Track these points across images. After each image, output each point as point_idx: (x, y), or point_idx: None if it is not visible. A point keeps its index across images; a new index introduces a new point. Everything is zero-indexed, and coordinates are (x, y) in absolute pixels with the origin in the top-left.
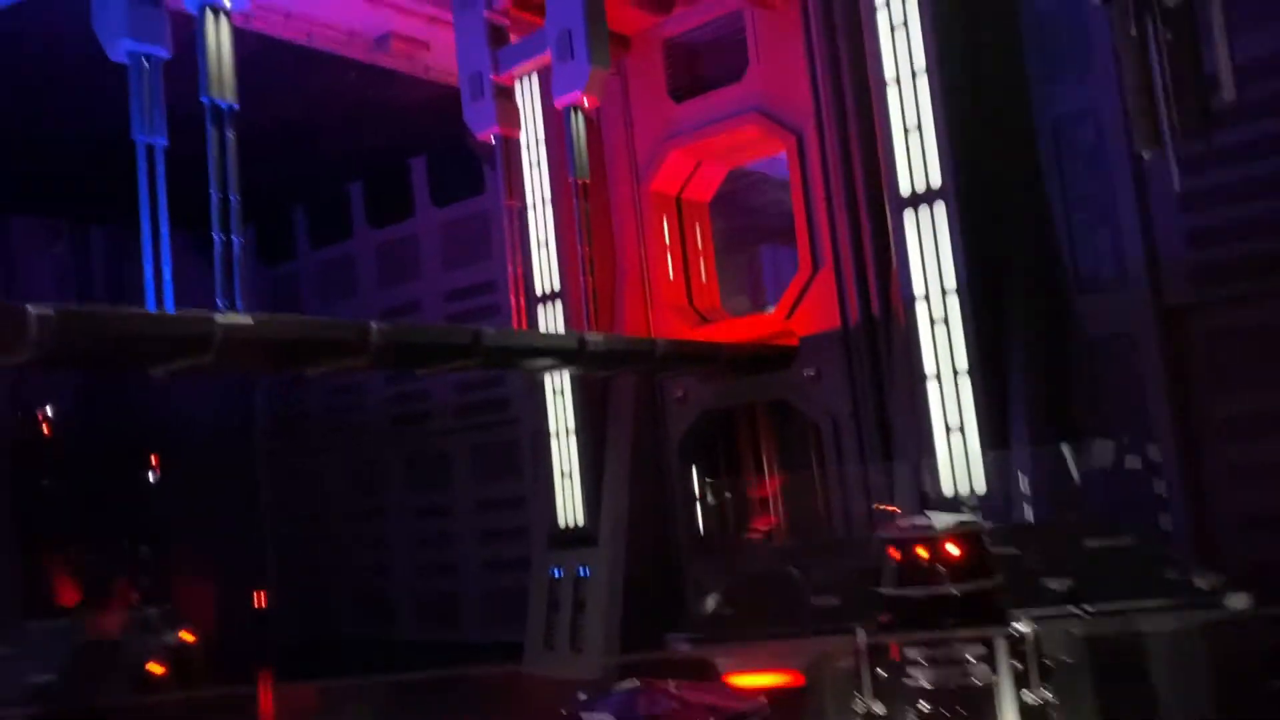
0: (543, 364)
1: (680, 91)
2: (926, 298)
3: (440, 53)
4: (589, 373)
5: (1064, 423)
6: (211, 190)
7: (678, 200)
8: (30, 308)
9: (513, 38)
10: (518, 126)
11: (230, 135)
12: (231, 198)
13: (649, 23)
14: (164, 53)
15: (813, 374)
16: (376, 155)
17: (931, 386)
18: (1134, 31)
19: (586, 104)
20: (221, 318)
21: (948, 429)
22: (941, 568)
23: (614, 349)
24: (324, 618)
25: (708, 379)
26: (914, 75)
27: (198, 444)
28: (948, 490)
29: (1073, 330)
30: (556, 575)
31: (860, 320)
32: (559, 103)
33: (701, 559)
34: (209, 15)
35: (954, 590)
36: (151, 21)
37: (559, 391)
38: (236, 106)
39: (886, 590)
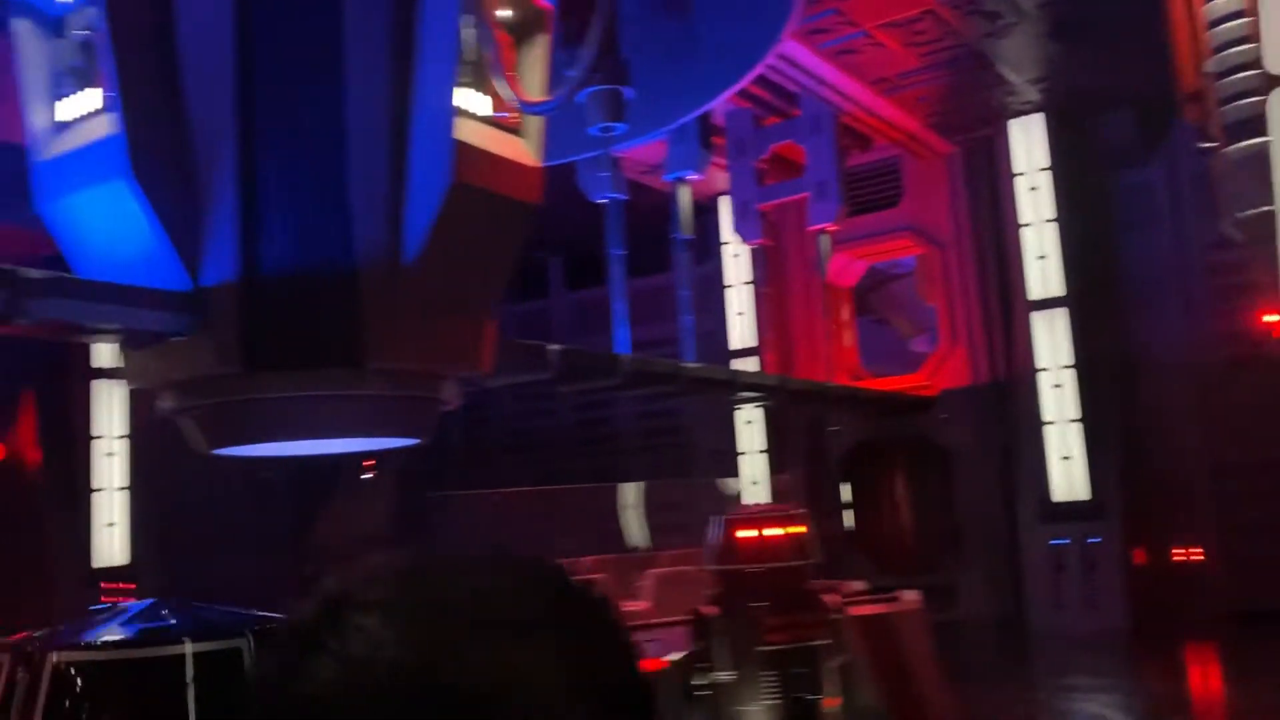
0: (750, 396)
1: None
2: (1047, 369)
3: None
4: (779, 408)
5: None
6: (680, 289)
7: (825, 286)
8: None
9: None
10: (773, 239)
11: (688, 256)
12: (685, 292)
13: None
14: (623, 197)
15: (946, 416)
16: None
17: (1049, 429)
18: None
19: (831, 229)
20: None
21: (1061, 458)
22: None
23: (805, 389)
24: None
25: (863, 418)
26: (1044, 221)
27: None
28: (1058, 498)
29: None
30: None
31: (987, 381)
32: (812, 228)
33: (849, 550)
34: (680, 185)
35: None
36: (617, 182)
37: (749, 421)
38: (693, 238)
39: None
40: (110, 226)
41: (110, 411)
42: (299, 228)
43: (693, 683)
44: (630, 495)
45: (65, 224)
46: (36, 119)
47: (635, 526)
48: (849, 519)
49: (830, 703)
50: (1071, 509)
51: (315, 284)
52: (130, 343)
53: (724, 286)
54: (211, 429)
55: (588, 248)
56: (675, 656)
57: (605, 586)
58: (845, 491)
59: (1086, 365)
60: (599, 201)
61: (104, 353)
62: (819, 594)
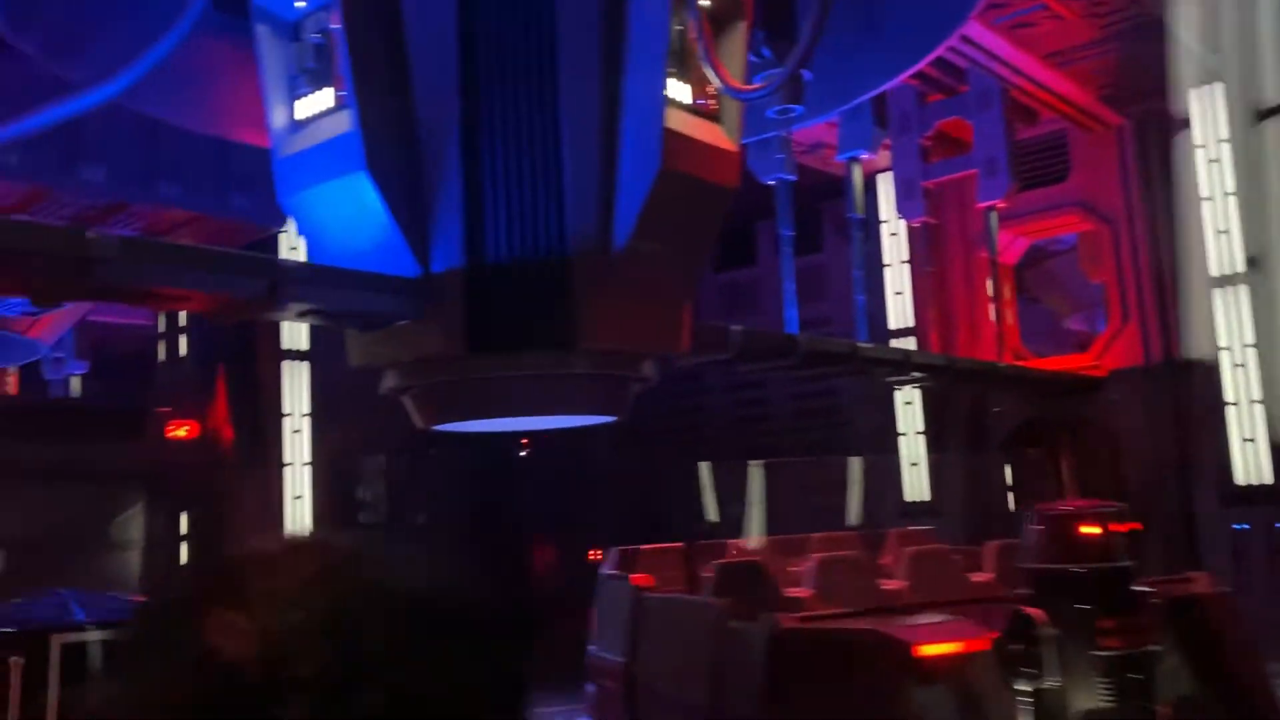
0: (919, 376)
1: None
2: (1229, 348)
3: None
4: (943, 387)
5: None
6: (853, 269)
7: (994, 264)
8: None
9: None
10: (935, 217)
11: (860, 235)
12: (857, 273)
13: None
14: (793, 178)
15: (1117, 399)
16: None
17: (1230, 410)
18: None
19: (1000, 206)
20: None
21: (1243, 440)
22: None
23: (974, 369)
24: None
25: (1024, 399)
26: (1225, 195)
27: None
28: (1239, 481)
29: None
30: None
31: (1160, 361)
32: (981, 205)
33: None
34: (853, 164)
35: None
36: (789, 164)
37: (909, 402)
38: (863, 218)
39: None
40: (347, 217)
41: (296, 390)
42: (518, 217)
43: (1016, 687)
44: (853, 471)
45: (306, 215)
46: (277, 118)
47: (854, 503)
48: (1012, 502)
49: (1166, 707)
50: (1255, 493)
51: (533, 270)
52: (362, 325)
53: (882, 265)
54: (432, 406)
55: (733, 228)
56: (992, 639)
57: (855, 564)
58: (1007, 474)
59: (1270, 343)
60: (768, 183)
61: (290, 333)
62: (1148, 595)
